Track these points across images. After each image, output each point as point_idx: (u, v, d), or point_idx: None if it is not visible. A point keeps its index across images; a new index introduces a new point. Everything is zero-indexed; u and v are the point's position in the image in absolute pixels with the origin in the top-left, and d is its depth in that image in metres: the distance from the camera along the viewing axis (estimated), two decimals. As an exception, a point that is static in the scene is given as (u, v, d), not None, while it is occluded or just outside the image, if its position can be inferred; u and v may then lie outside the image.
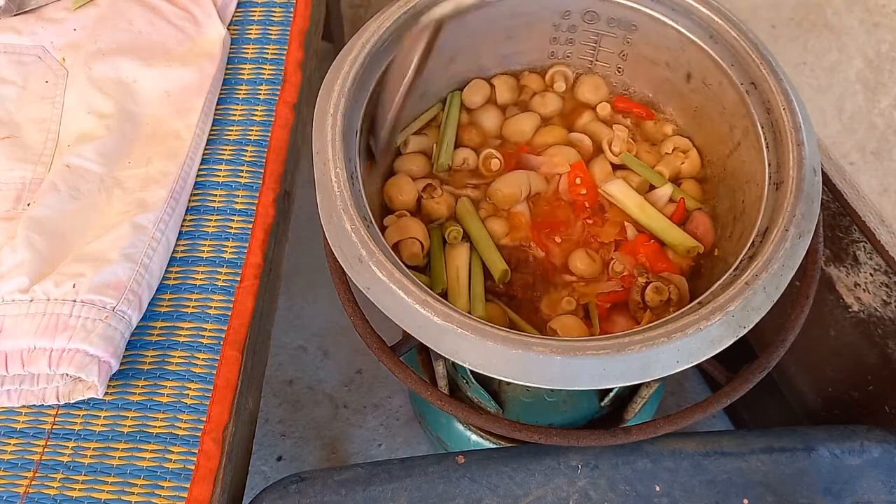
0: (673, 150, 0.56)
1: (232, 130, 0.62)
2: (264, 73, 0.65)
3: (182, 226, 0.57)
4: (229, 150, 0.61)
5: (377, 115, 0.51)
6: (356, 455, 0.93)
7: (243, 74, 0.65)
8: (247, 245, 0.57)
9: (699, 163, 0.56)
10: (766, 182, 0.47)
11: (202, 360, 0.52)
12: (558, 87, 0.59)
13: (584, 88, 0.59)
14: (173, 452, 0.49)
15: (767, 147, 0.48)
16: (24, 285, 0.50)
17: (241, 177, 0.59)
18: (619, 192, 0.54)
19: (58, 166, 0.56)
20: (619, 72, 0.59)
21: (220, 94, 0.63)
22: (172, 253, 0.56)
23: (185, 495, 0.48)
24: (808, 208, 0.44)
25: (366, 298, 0.43)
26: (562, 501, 0.50)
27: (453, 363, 0.46)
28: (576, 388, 0.41)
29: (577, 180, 0.54)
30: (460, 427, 0.69)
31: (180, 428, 0.50)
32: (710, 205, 0.55)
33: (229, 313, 0.54)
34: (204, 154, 0.60)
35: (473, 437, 0.68)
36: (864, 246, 0.63)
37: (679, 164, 0.56)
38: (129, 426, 0.50)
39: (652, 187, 0.55)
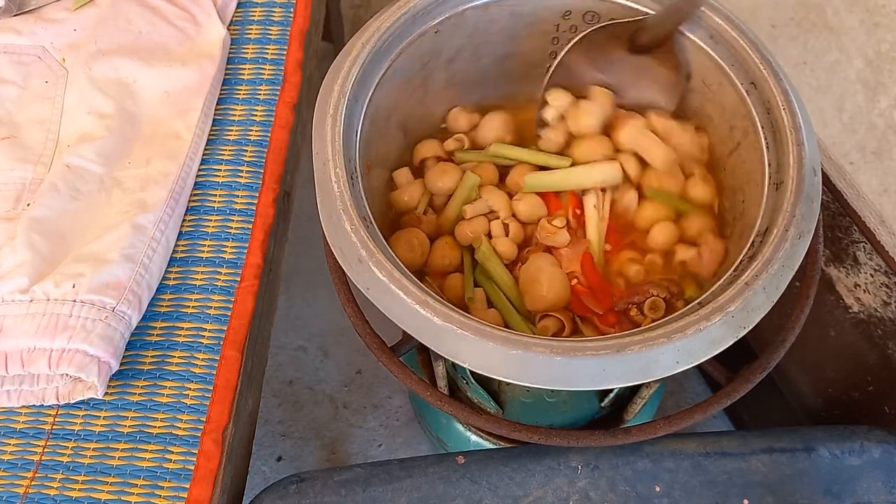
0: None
1: (232, 130, 0.62)
2: (264, 74, 0.65)
3: (182, 226, 0.57)
4: (229, 150, 0.61)
5: None
6: (356, 455, 0.93)
7: (243, 74, 0.65)
8: (246, 245, 0.57)
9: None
10: (766, 182, 0.47)
11: (202, 360, 0.52)
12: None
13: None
14: (173, 453, 0.49)
15: (767, 147, 0.48)
16: (23, 285, 0.50)
17: (241, 177, 0.59)
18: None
19: (58, 166, 0.56)
20: (619, 72, 0.59)
21: (220, 94, 0.63)
22: (172, 253, 0.56)
23: (185, 496, 0.48)
24: (808, 208, 0.44)
25: (366, 299, 0.43)
26: (562, 502, 0.50)
27: (453, 364, 0.46)
28: (576, 389, 0.40)
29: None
30: (460, 427, 0.69)
31: (180, 428, 0.50)
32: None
33: (229, 313, 0.54)
34: (204, 154, 0.60)
35: (473, 437, 0.68)
36: (864, 246, 0.63)
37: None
38: (129, 426, 0.50)
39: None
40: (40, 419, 0.50)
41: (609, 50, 0.54)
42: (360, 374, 0.98)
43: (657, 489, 0.50)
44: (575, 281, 0.51)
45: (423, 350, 0.67)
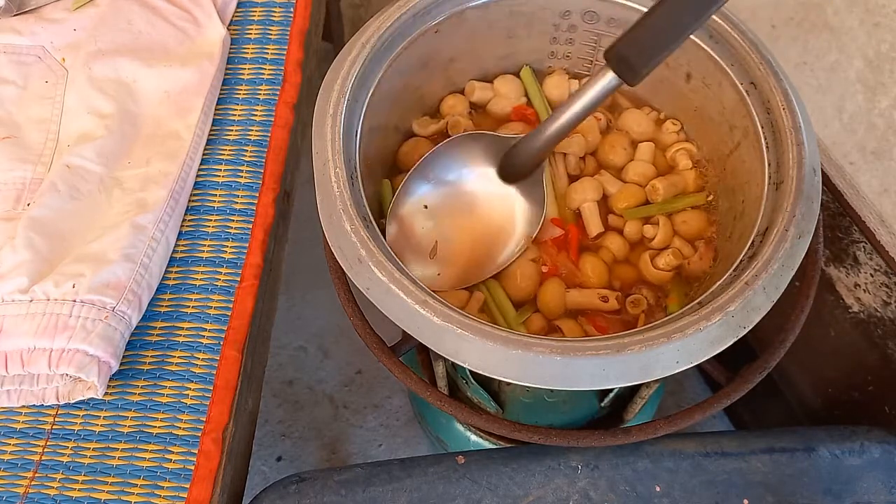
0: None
1: (232, 130, 0.62)
2: (264, 73, 0.65)
3: (182, 226, 0.57)
4: (229, 150, 0.61)
5: None
6: (356, 455, 0.93)
7: (243, 74, 0.65)
8: (246, 245, 0.57)
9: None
10: (766, 182, 0.47)
11: (202, 360, 0.52)
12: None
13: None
14: (173, 453, 0.49)
15: (767, 147, 0.48)
16: (23, 285, 0.50)
17: (241, 177, 0.59)
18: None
19: (58, 166, 0.56)
20: (619, 72, 0.59)
21: (220, 94, 0.63)
22: (172, 253, 0.56)
23: (185, 495, 0.48)
24: (808, 208, 0.44)
25: (366, 299, 0.43)
26: (562, 502, 0.50)
27: (453, 363, 0.46)
28: (575, 389, 0.41)
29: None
30: (460, 427, 0.69)
31: (180, 428, 0.50)
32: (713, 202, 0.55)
33: (229, 314, 0.54)
34: (204, 154, 0.60)
35: (473, 437, 0.68)
36: (864, 246, 0.63)
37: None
38: (129, 426, 0.50)
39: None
40: (40, 419, 0.50)
41: (481, 163, 0.53)
42: (360, 374, 0.98)
43: (657, 489, 0.50)
44: (545, 268, 0.52)
45: (423, 350, 0.67)
